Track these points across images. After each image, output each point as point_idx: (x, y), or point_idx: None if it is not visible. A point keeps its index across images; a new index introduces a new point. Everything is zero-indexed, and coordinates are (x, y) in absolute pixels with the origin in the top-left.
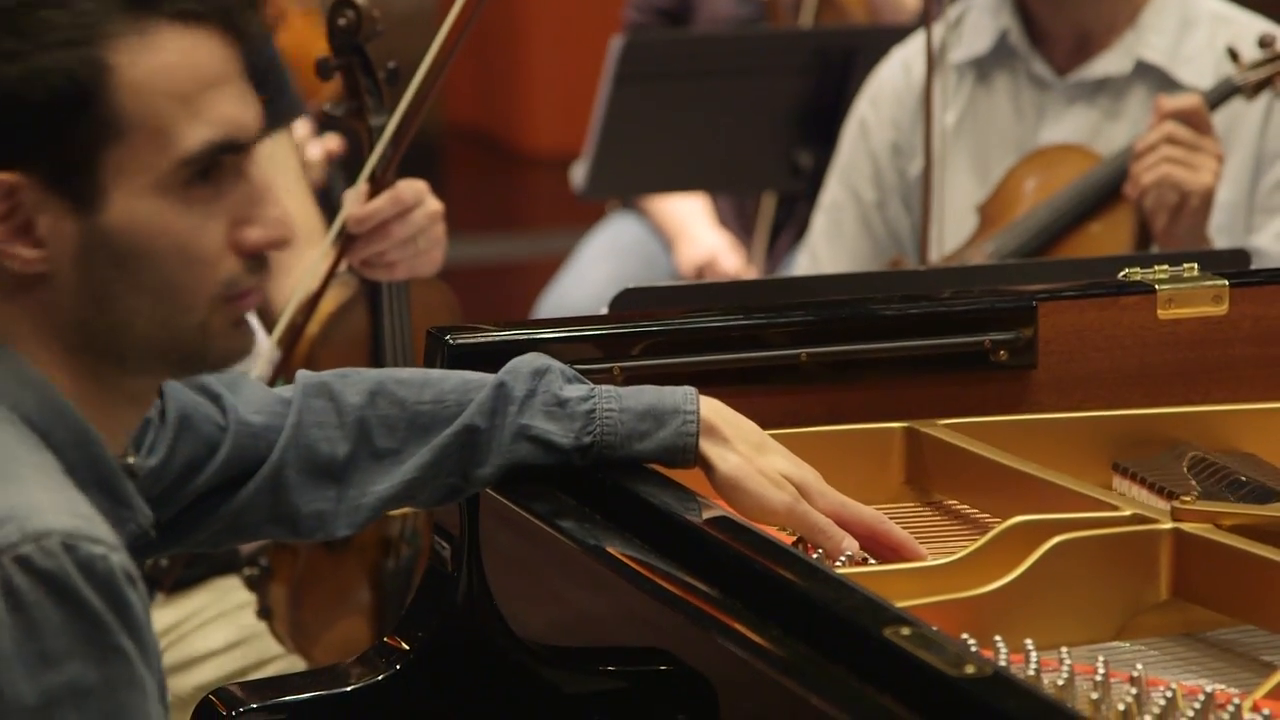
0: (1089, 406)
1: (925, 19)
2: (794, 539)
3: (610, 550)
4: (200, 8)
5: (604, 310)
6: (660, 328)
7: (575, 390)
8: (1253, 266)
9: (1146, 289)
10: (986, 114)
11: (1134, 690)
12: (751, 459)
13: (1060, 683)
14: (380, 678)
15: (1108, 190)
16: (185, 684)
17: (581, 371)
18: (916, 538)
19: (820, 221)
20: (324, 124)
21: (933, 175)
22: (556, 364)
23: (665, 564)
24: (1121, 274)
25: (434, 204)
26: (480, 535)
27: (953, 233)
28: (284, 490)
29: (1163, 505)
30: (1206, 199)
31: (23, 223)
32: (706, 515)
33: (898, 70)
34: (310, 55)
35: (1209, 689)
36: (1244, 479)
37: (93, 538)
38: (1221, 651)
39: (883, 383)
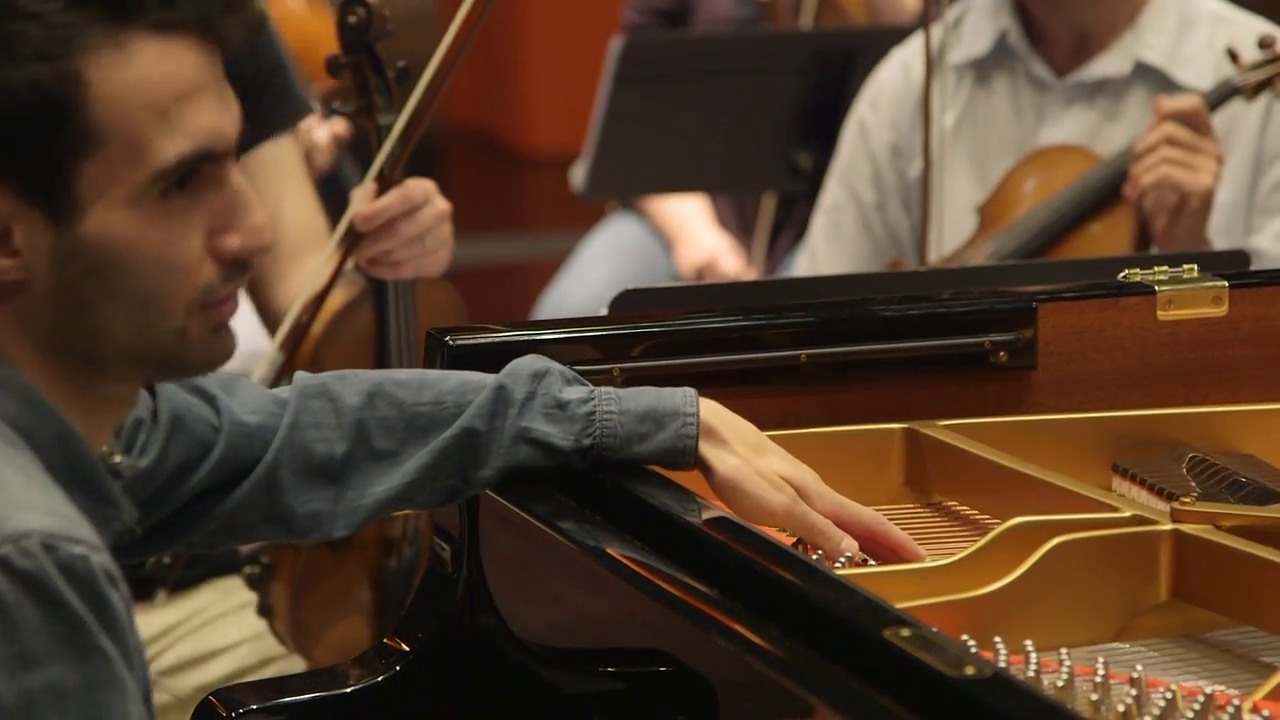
0: (1089, 407)
1: (924, 20)
2: (793, 540)
3: (610, 551)
4: (178, 17)
5: (604, 311)
6: (660, 329)
7: (575, 392)
8: (1252, 267)
9: (1146, 290)
10: (986, 115)
11: (1134, 691)
12: (750, 460)
13: (1060, 684)
14: (380, 679)
15: (1107, 191)
16: (186, 683)
17: (581, 372)
18: (916, 539)
19: (820, 222)
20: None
21: (932, 176)
22: (556, 366)
23: (665, 565)
24: (1121, 275)
25: (442, 203)
26: (480, 536)
27: (952, 234)
28: (279, 491)
29: (1162, 506)
30: (1206, 200)
31: None
32: (706, 516)
33: (897, 71)
34: (315, 42)
35: (1209, 690)
36: (1243, 480)
37: (73, 538)
38: (1221, 653)
39: (882, 384)
